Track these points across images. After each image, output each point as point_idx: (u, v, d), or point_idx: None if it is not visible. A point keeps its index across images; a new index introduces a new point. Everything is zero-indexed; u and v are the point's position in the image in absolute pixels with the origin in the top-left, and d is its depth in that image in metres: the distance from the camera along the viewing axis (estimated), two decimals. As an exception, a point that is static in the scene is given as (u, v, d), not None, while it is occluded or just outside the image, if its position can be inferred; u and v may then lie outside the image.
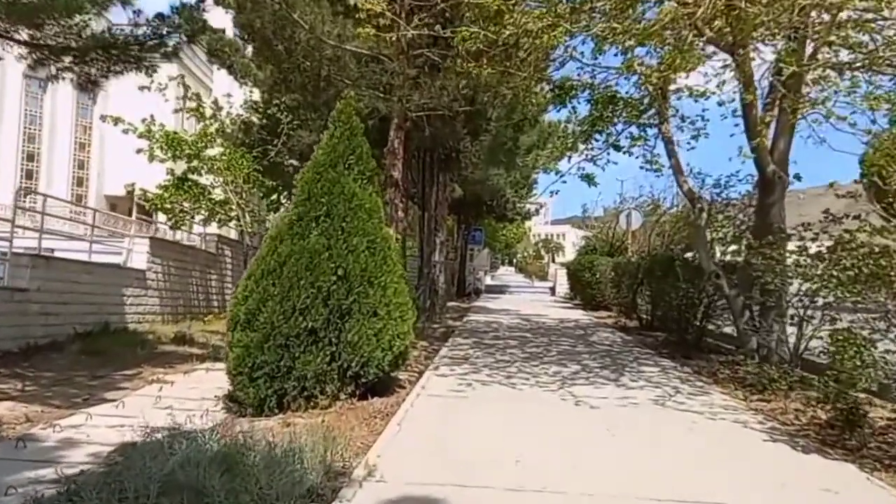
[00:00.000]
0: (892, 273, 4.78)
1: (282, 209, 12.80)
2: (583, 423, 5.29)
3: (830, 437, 4.85)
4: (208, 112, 13.71)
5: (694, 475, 3.98)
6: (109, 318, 10.05)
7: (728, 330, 9.58)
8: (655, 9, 6.97)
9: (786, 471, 4.14)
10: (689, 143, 9.84)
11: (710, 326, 10.10)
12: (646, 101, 9.76)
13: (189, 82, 15.12)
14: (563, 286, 29.90)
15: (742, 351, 7.88)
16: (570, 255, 53.89)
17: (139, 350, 8.47)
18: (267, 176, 13.90)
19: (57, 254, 10.16)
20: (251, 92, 15.66)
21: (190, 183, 13.33)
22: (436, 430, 4.88)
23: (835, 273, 5.61)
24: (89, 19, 7.21)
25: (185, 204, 13.42)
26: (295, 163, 13.45)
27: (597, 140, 10.54)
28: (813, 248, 6.70)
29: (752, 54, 7.54)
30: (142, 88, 11.21)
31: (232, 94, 15.35)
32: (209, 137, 13.19)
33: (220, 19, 12.32)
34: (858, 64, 6.66)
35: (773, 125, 8.07)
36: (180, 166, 13.52)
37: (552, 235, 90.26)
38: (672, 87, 8.93)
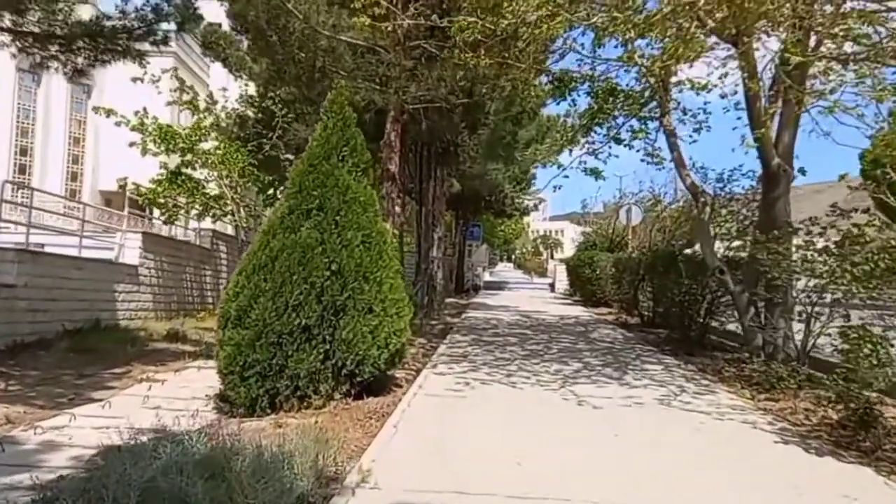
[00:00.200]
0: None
1: (277, 203, 12.65)
2: (586, 424, 5.11)
3: (843, 438, 4.67)
4: (202, 105, 13.53)
5: (704, 479, 3.80)
6: (100, 314, 9.82)
7: (731, 327, 9.43)
8: (656, -1, 6.78)
9: (801, 475, 3.96)
10: (691, 136, 9.73)
11: (714, 323, 9.96)
12: (647, 93, 9.62)
13: (185, 76, 14.95)
14: (562, 282, 29.77)
15: (747, 348, 7.71)
16: (568, 251, 53.77)
17: (130, 347, 8.24)
18: (262, 170, 13.77)
19: (48, 249, 9.94)
20: (247, 86, 15.48)
21: (184, 177, 13.18)
22: (433, 431, 4.68)
23: (848, 268, 5.42)
24: (73, 4, 6.98)
25: (180, 199, 13.25)
26: (291, 157, 13.25)
27: (597, 133, 10.42)
28: (819, 243, 6.54)
29: (755, 44, 7.37)
30: (134, 80, 10.96)
31: (228, 89, 15.21)
32: (203, 131, 13.02)
33: (216, 13, 12.12)
34: (863, 55, 6.49)
35: (776, 118, 7.89)
36: (174, 160, 13.34)
37: (551, 231, 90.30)
38: (673, 79, 8.77)
